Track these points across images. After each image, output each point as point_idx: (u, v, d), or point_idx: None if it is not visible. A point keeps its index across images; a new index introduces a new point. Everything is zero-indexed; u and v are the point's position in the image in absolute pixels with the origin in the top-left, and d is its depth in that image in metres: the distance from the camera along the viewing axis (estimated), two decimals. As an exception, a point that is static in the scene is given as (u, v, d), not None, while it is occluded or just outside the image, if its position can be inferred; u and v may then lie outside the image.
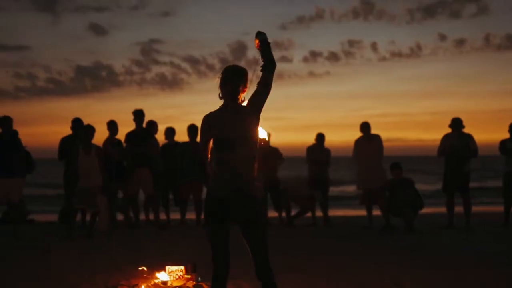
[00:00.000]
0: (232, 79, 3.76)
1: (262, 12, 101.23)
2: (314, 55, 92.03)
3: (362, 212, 11.15)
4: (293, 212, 10.73)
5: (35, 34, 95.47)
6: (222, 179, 3.70)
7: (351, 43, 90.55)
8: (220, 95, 3.79)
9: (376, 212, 10.40)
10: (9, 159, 8.80)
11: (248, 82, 3.83)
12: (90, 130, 8.91)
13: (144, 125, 10.21)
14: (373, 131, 10.57)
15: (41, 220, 11.90)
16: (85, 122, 9.27)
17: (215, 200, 3.71)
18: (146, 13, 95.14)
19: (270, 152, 10.70)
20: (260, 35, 3.87)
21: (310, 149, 11.03)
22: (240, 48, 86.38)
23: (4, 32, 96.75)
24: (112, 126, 10.08)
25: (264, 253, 3.77)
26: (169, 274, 5.56)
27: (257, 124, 3.76)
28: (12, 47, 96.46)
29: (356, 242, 8.58)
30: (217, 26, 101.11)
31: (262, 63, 3.81)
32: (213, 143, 3.77)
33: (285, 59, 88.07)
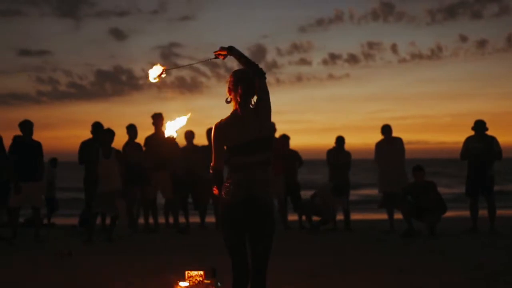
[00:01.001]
0: (242, 83, 3.69)
1: (281, 15, 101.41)
2: (333, 58, 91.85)
3: (383, 216, 11.01)
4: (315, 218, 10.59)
5: (57, 39, 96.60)
6: (237, 185, 3.64)
7: (371, 45, 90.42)
8: (228, 99, 3.74)
9: (398, 215, 10.26)
10: (31, 163, 8.83)
11: (256, 85, 3.74)
12: (109, 134, 8.91)
13: (164, 128, 10.20)
14: (394, 133, 10.45)
15: (62, 224, 11.95)
16: (106, 125, 9.27)
17: (229, 206, 3.66)
18: (166, 17, 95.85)
19: (289, 155, 10.65)
20: (233, 50, 3.81)
21: (330, 152, 10.93)
22: (259, 51, 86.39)
23: (26, 38, 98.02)
24: (132, 129, 10.08)
25: (264, 263, 3.72)
26: (188, 279, 5.50)
27: (269, 126, 3.73)
28: (34, 52, 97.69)
29: (378, 246, 8.47)
30: (236, 30, 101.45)
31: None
32: (228, 150, 3.71)
33: (304, 61, 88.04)
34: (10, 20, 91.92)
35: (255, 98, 3.71)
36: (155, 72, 3.94)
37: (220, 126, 3.70)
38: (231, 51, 3.81)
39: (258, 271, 3.71)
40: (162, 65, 3.95)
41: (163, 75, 3.96)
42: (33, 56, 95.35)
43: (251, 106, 3.71)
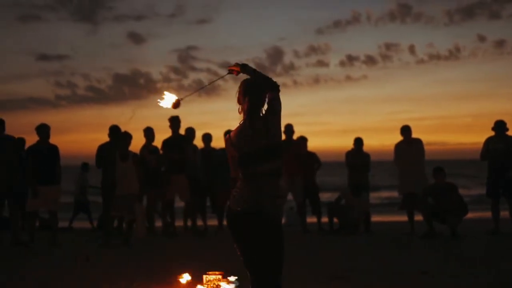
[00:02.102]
0: (252, 92, 3.66)
1: (298, 17, 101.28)
2: (351, 59, 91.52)
3: (403, 218, 10.90)
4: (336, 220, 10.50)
5: (75, 43, 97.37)
6: (245, 195, 3.58)
7: (388, 46, 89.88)
8: (240, 109, 3.70)
9: (418, 217, 10.14)
10: (49, 167, 8.85)
11: (266, 93, 3.69)
12: (127, 137, 8.89)
13: (183, 131, 10.19)
14: (414, 135, 10.32)
15: (80, 227, 11.98)
16: (124, 129, 9.24)
17: (235, 215, 3.60)
18: (183, 20, 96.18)
19: (307, 157, 10.58)
20: (245, 68, 3.75)
21: (349, 154, 10.83)
22: (276, 54, 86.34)
23: (45, 42, 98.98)
24: (149, 133, 10.06)
25: (274, 279, 3.62)
26: (206, 282, 5.46)
27: (279, 134, 3.65)
28: (52, 56, 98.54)
29: (399, 248, 8.36)
30: (254, 32, 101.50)
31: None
32: (240, 159, 3.65)
33: (321, 63, 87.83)
34: (28, 26, 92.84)
35: (265, 107, 3.67)
36: (168, 102, 3.89)
37: (230, 135, 3.70)
38: (244, 69, 3.77)
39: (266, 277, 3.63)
40: (175, 95, 3.90)
41: (178, 105, 3.90)
42: (52, 60, 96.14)
43: (261, 115, 3.66)
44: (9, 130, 8.94)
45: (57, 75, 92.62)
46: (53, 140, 9.05)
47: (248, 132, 3.63)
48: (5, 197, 8.85)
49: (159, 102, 3.90)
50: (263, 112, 3.68)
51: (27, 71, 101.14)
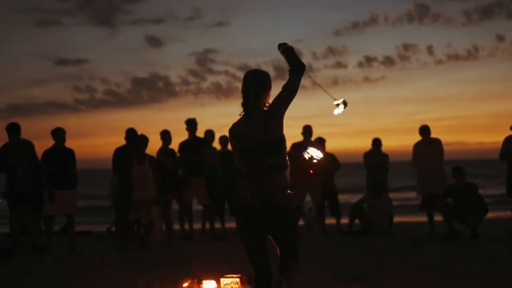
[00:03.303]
0: (251, 85, 3.63)
1: (316, 19, 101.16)
2: (369, 60, 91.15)
3: (422, 219, 10.77)
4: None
5: (93, 47, 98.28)
6: (251, 190, 3.56)
7: (406, 47, 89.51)
8: (243, 102, 3.66)
9: (438, 218, 10.01)
10: (65, 171, 8.86)
11: (270, 86, 3.68)
12: (143, 140, 8.86)
13: (201, 134, 10.17)
14: (432, 135, 10.19)
15: (98, 231, 11.99)
16: (143, 132, 9.21)
17: (245, 212, 3.59)
18: (201, 23, 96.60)
19: (325, 158, 10.48)
20: (282, 46, 3.71)
21: (367, 154, 10.74)
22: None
23: (63, 47, 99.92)
24: (166, 135, 10.03)
25: (293, 252, 3.62)
26: (224, 286, 5.41)
27: (281, 128, 3.60)
28: (71, 61, 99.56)
29: (419, 249, 8.27)
30: (271, 34, 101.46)
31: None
32: (240, 153, 3.63)
33: (340, 64, 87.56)
34: (47, 31, 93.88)
35: (268, 99, 3.65)
36: (340, 107, 3.97)
37: (231, 129, 3.68)
38: (278, 48, 3.73)
39: (285, 260, 3.63)
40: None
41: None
42: (70, 65, 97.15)
43: (264, 107, 3.63)
44: (29, 134, 9.00)
45: (76, 79, 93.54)
46: (72, 144, 9.08)
47: (247, 126, 3.60)
48: (22, 201, 8.86)
49: (335, 113, 3.95)
50: (266, 104, 3.64)
51: (46, 75, 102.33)
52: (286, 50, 3.67)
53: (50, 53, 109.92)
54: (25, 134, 9.01)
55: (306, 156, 3.77)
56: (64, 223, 10.33)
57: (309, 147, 3.78)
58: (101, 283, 6.19)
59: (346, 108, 3.94)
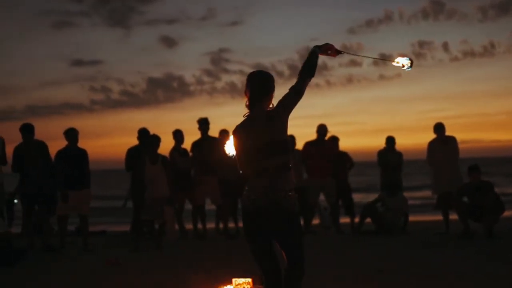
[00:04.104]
0: (256, 86, 3.61)
1: (330, 17, 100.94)
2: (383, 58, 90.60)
3: (437, 217, 10.66)
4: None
5: (108, 48, 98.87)
6: (255, 191, 3.53)
7: (422, 44, 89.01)
8: (247, 103, 3.64)
9: (453, 216, 9.90)
10: (78, 171, 8.87)
11: (273, 86, 3.67)
12: (155, 140, 8.84)
13: (213, 133, 10.15)
14: (448, 133, 10.09)
15: (112, 231, 12.01)
16: (158, 132, 9.19)
17: (249, 214, 3.55)
18: (215, 23, 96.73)
19: (339, 157, 10.42)
20: (314, 47, 3.74)
21: (381, 153, 10.65)
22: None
23: (79, 48, 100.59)
24: (178, 135, 10.01)
25: (300, 266, 3.57)
26: (235, 286, 5.37)
27: (285, 129, 3.57)
28: (86, 62, 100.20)
29: (433, 249, 8.17)
30: (286, 33, 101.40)
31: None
32: (244, 155, 3.60)
33: (354, 63, 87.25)
34: (63, 32, 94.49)
35: (272, 100, 3.63)
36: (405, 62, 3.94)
37: (235, 130, 3.66)
38: (314, 48, 3.76)
39: (291, 275, 3.58)
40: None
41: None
42: (86, 66, 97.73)
43: (268, 108, 3.61)
44: (45, 135, 9.04)
45: (92, 80, 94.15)
46: (87, 144, 9.09)
47: (250, 126, 3.57)
48: (35, 201, 8.89)
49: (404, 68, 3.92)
50: (270, 105, 3.62)
51: (62, 77, 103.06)
52: (313, 53, 3.69)
53: (65, 55, 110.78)
54: (41, 134, 9.06)
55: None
56: (79, 223, 10.36)
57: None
58: (114, 283, 6.17)
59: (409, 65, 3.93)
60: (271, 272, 3.63)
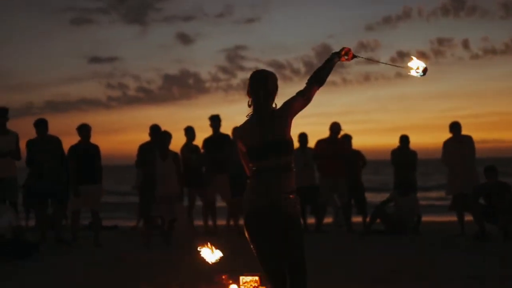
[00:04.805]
0: (257, 85, 3.55)
1: (347, 14, 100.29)
2: (401, 55, 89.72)
3: (452, 218, 10.51)
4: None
5: (125, 45, 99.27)
6: (256, 192, 3.48)
7: (441, 41, 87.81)
8: (249, 102, 3.58)
9: (468, 217, 9.73)
10: (90, 167, 8.88)
11: (277, 86, 3.60)
12: (166, 136, 8.82)
13: (225, 130, 10.10)
14: (467, 132, 9.94)
15: (124, 227, 12.01)
16: (173, 129, 9.16)
17: (250, 214, 3.50)
18: (232, 20, 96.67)
19: (352, 155, 10.31)
20: (333, 54, 3.68)
21: (395, 152, 10.52)
22: (325, 51, 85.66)
23: (96, 45, 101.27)
24: (190, 132, 10.00)
25: (298, 271, 3.51)
26: (243, 284, 5.31)
27: (288, 130, 3.51)
28: (104, 59, 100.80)
29: (447, 251, 8.04)
30: (302, 30, 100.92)
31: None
32: (247, 154, 3.55)
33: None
34: (81, 29, 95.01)
35: (275, 100, 3.58)
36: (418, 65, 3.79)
37: (238, 129, 3.63)
38: (334, 53, 3.71)
39: (294, 279, 3.50)
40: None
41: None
42: (103, 62, 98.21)
43: (272, 108, 3.56)
44: (63, 130, 9.07)
45: (108, 76, 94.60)
46: (104, 140, 9.26)
47: (253, 126, 3.52)
48: (49, 196, 8.92)
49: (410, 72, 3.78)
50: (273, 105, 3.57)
51: (79, 73, 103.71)
52: (329, 60, 3.64)
53: (83, 51, 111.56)
54: (59, 130, 9.12)
55: None
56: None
57: None
58: (121, 278, 6.15)
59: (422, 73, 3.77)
60: (273, 272, 3.57)
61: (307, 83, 3.57)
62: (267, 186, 3.45)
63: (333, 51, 3.70)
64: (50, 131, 9.01)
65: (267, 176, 3.45)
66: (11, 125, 8.97)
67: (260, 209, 3.46)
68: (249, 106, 3.59)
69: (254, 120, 3.54)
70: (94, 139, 9.14)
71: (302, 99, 3.53)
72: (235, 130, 3.73)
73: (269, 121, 3.49)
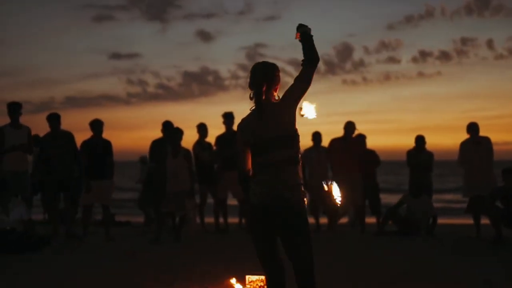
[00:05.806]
0: (257, 77, 3.46)
1: (368, 12, 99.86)
2: (423, 55, 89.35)
3: (468, 221, 10.33)
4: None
5: (146, 42, 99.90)
6: (261, 186, 3.39)
7: (464, 41, 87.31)
8: (251, 95, 3.49)
9: (485, 221, 9.55)
10: (102, 162, 8.88)
11: (279, 77, 3.52)
12: (178, 133, 8.78)
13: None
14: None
15: (137, 223, 12.02)
16: (192, 126, 9.11)
17: (254, 209, 3.42)
18: (252, 18, 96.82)
19: (366, 155, 10.17)
20: (301, 28, 3.47)
21: (410, 152, 10.37)
22: (345, 50, 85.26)
23: (117, 41, 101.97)
24: (202, 129, 9.96)
25: (308, 271, 3.41)
26: (249, 283, 5.23)
27: (292, 122, 3.40)
28: (124, 55, 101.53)
29: (462, 254, 7.87)
30: (322, 28, 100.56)
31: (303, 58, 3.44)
32: (250, 149, 3.47)
33: (393, 60, 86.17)
34: (102, 26, 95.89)
35: (278, 91, 3.52)
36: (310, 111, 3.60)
37: (240, 124, 3.55)
38: (298, 29, 3.49)
39: (303, 278, 3.40)
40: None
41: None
42: (123, 59, 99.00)
43: (274, 100, 3.48)
44: (83, 126, 9.09)
45: (129, 73, 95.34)
46: (123, 136, 9.25)
47: (255, 119, 3.44)
48: (61, 191, 8.93)
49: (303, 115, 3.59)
50: (276, 97, 3.49)
51: (100, 69, 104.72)
52: (305, 35, 3.45)
53: (104, 48, 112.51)
54: (79, 125, 9.14)
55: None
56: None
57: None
58: (130, 275, 6.11)
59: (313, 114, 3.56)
60: (273, 273, 3.52)
61: (303, 66, 3.44)
62: (272, 180, 3.36)
63: (299, 24, 3.49)
64: (70, 127, 9.14)
65: (273, 170, 3.37)
66: (32, 119, 9.09)
67: (265, 203, 3.39)
68: (251, 99, 3.51)
69: (258, 113, 3.46)
70: (113, 134, 9.19)
71: (301, 84, 3.41)
72: (238, 125, 3.62)
73: (273, 113, 3.41)
